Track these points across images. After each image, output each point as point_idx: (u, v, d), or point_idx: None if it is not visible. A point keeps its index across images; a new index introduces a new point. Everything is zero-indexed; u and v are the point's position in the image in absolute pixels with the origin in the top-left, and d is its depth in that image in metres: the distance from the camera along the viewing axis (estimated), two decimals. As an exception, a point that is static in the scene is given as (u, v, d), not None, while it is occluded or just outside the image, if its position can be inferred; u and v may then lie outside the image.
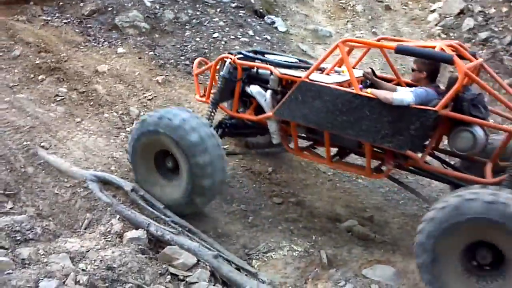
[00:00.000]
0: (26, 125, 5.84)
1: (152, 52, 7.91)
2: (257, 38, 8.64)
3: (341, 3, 10.54)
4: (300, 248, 5.06)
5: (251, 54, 5.57)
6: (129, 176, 5.52)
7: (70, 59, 7.26)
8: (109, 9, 8.28)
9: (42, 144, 5.63)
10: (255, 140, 6.41)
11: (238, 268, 4.64)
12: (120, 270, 4.09)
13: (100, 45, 7.83)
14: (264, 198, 5.89)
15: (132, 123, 6.52)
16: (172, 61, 7.88)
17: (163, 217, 5.03)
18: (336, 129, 4.73)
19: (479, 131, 4.42)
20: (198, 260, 4.52)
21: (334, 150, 5.34)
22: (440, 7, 10.11)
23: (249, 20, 9.04)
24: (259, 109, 5.39)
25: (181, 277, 4.35)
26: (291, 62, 5.47)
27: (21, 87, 6.66)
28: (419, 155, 4.70)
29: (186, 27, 8.52)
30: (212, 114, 5.54)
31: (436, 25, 9.76)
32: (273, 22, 9.33)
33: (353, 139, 4.79)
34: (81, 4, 8.26)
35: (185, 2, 8.91)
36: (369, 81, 5.10)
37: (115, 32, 8.06)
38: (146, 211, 5.07)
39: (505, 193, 3.92)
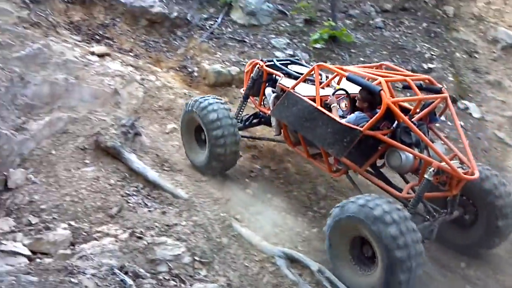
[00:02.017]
0: (223, 198, 6.27)
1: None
2: (449, 123, 8.33)
3: (543, 89, 9.77)
4: None
5: (278, 64, 6.84)
6: (315, 256, 5.56)
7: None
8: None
9: (236, 217, 5.98)
10: None
11: None
12: None
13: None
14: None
15: (319, 203, 6.65)
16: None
17: (348, 302, 4.94)
18: (303, 132, 6.02)
19: (407, 154, 5.28)
20: None
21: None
22: None
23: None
24: None
25: None
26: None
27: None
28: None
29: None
30: (243, 105, 6.99)
31: None
32: (467, 108, 8.97)
33: (312, 141, 5.99)
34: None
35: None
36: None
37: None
38: (331, 294, 5.03)
39: (380, 201, 4.85)
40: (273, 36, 9.96)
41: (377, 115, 5.28)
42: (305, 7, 10.54)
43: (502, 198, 5.56)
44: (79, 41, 10.22)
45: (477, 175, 5.20)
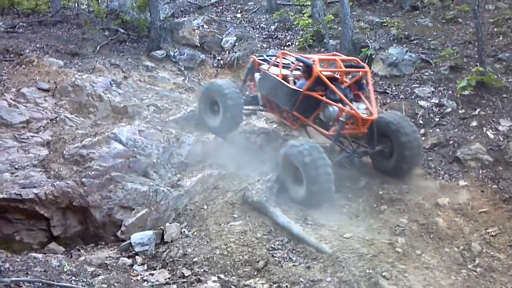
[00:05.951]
0: (369, 254, 6.08)
1: (495, 186, 7.54)
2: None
3: None
4: None
5: (266, 57, 9.26)
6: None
7: (411, 191, 7.47)
8: (451, 142, 8.37)
9: (383, 274, 5.75)
10: None
11: None
12: None
13: (441, 177, 7.87)
14: None
15: (474, 260, 6.22)
16: (521, 195, 7.40)
17: None
18: (273, 98, 8.40)
19: (333, 107, 7.53)
20: None
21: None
22: None
23: None
24: None
25: None
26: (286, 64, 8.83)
27: (365, 215, 7.11)
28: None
29: (535, 159, 7.93)
30: (244, 87, 9.29)
31: None
32: None
33: (279, 104, 8.36)
34: (423, 138, 8.53)
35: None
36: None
37: (456, 165, 8.04)
38: None
39: (303, 141, 7.37)
40: (417, 85, 9.76)
41: (310, 79, 7.60)
42: (450, 54, 10.18)
43: (407, 135, 7.58)
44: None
45: (374, 117, 7.43)
